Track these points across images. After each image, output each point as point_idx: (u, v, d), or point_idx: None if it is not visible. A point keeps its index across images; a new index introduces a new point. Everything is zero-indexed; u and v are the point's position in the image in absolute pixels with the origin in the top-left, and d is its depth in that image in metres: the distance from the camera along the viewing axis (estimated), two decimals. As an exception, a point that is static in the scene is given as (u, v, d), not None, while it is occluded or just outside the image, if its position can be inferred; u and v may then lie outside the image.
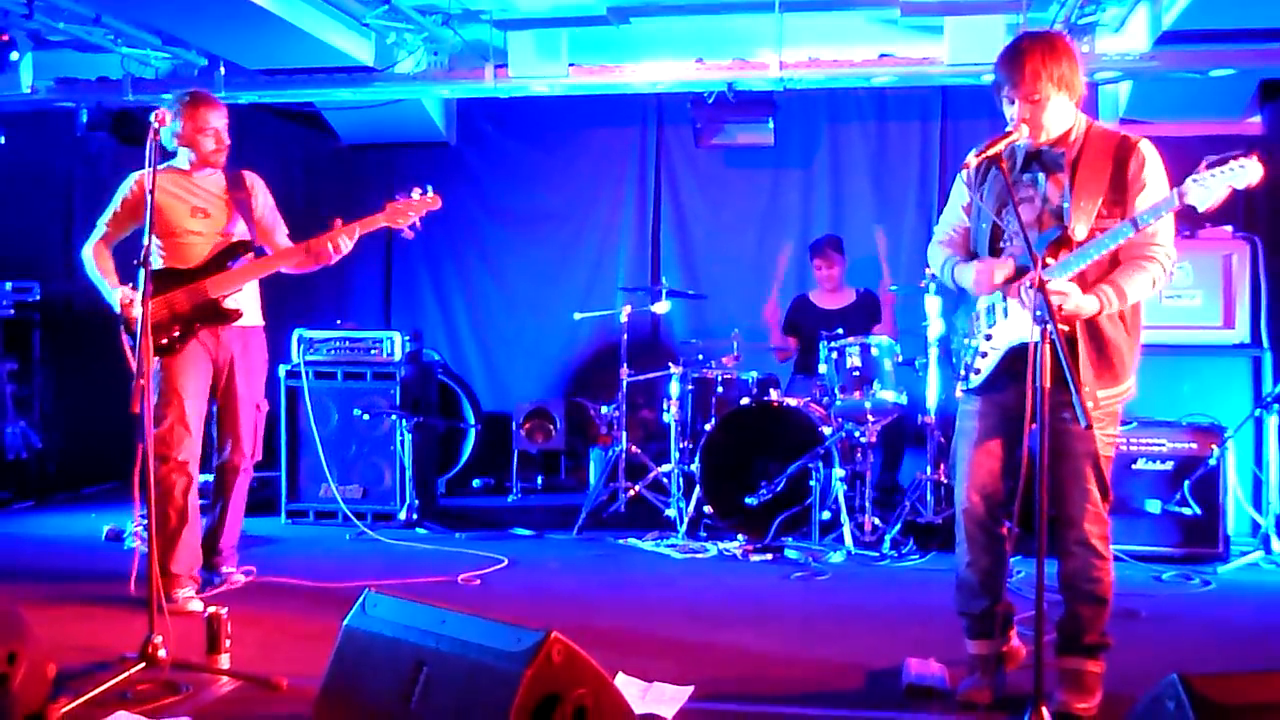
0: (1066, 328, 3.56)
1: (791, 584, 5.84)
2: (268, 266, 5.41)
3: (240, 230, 5.44)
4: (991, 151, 3.58)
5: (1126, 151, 3.72)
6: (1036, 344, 3.38)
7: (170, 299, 5.22)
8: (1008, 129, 3.68)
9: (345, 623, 3.33)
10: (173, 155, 5.45)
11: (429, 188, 5.42)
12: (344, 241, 5.28)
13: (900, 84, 7.69)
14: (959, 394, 4.06)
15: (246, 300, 5.46)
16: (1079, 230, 3.63)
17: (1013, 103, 3.71)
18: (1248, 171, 3.33)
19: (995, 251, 3.91)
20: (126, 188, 5.43)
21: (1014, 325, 3.80)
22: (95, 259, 5.37)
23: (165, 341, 5.20)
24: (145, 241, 4.30)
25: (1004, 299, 3.86)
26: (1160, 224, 3.65)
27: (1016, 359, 3.74)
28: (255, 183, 5.59)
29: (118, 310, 5.20)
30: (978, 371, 3.94)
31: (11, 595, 4.84)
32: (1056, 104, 3.68)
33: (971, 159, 3.63)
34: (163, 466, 5.18)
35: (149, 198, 4.23)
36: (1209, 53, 6.84)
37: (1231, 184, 3.35)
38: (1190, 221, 6.59)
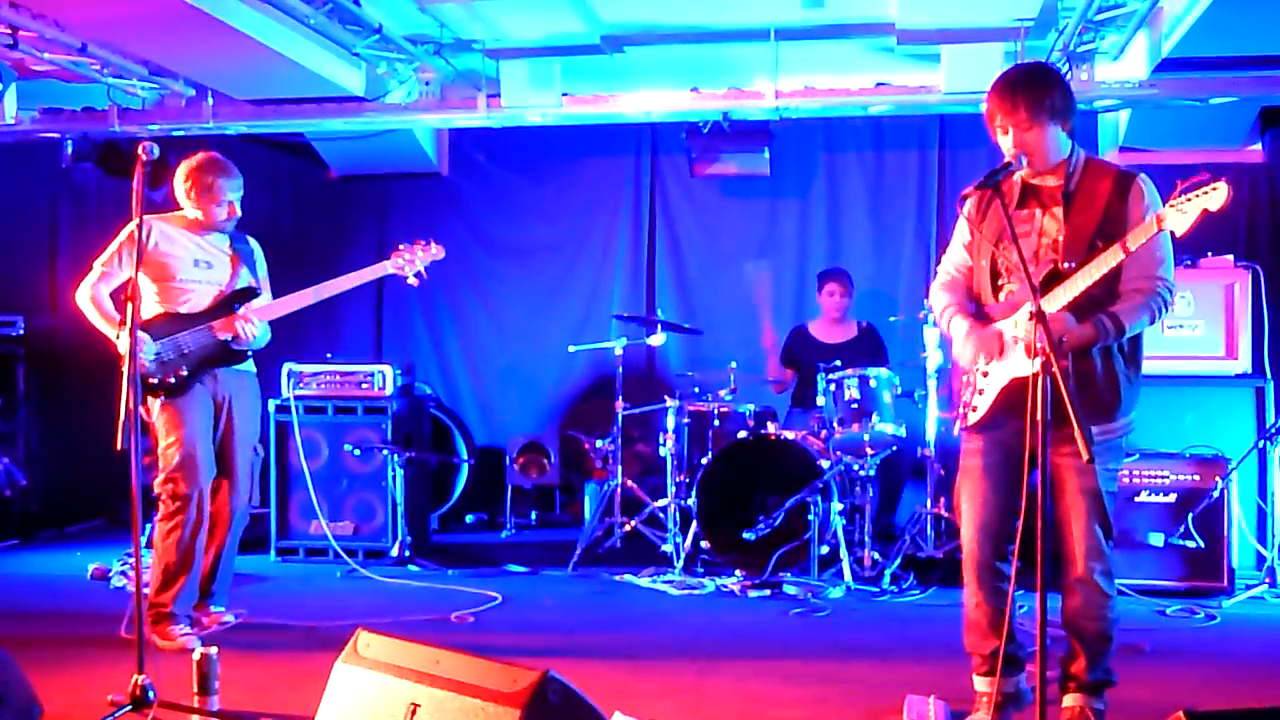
0: (1066, 360, 3.59)
1: (790, 620, 5.84)
2: (284, 307, 5.52)
3: (244, 280, 5.56)
4: (988, 184, 3.62)
5: (1124, 186, 3.76)
6: (1035, 378, 3.39)
7: (177, 341, 5.32)
8: (1005, 160, 3.72)
9: (337, 662, 3.33)
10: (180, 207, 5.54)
11: (432, 242, 5.67)
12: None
13: (897, 113, 7.74)
14: (956, 433, 4.09)
15: (249, 346, 5.54)
16: (1069, 264, 3.67)
17: (1006, 133, 3.75)
18: (1219, 194, 3.42)
19: (996, 290, 3.95)
20: (128, 231, 5.39)
21: (1011, 361, 3.83)
22: (94, 302, 5.33)
23: (173, 380, 5.29)
24: (133, 275, 4.34)
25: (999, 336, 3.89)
26: (1160, 255, 3.69)
27: (1014, 394, 3.76)
28: (257, 248, 5.73)
29: (124, 351, 5.21)
30: (975, 409, 3.96)
31: (-4, 636, 4.84)
32: (1050, 135, 3.73)
33: (969, 191, 3.67)
34: (174, 504, 5.27)
35: (139, 232, 4.28)
36: (1209, 80, 6.89)
37: (1205, 206, 3.41)
38: (1191, 250, 6.63)
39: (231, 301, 5.44)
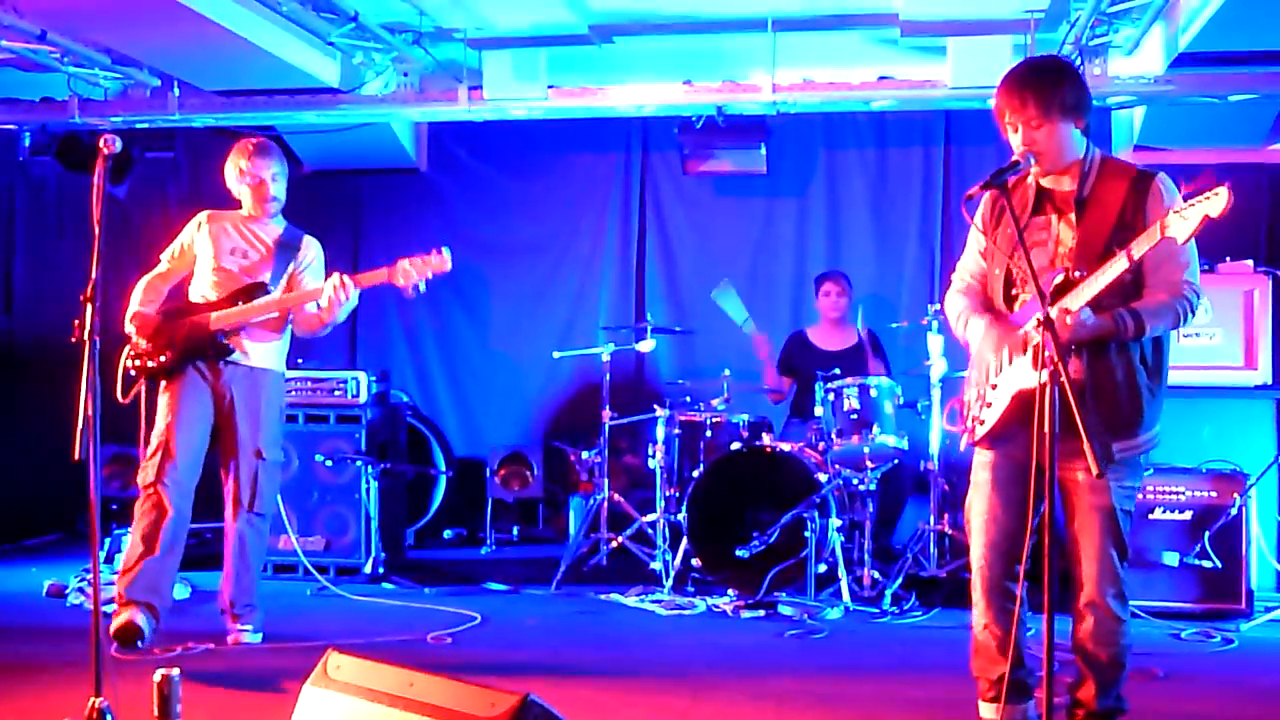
0: (1074, 372, 3.58)
1: (786, 643, 5.83)
2: (269, 308, 5.56)
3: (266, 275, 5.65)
4: (994, 183, 3.62)
5: (1142, 187, 3.76)
6: (1042, 389, 3.39)
7: (175, 325, 5.50)
8: (1014, 159, 3.73)
9: (306, 685, 3.31)
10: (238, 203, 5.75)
11: (445, 250, 5.54)
12: (344, 291, 5.43)
13: (901, 108, 7.76)
14: (964, 448, 4.09)
15: (260, 342, 5.60)
16: (1080, 273, 3.67)
17: (1016, 130, 3.76)
18: (1219, 200, 3.42)
19: (1010, 299, 3.95)
20: (190, 226, 5.73)
21: (1017, 373, 3.83)
22: (143, 287, 5.67)
23: (155, 364, 5.47)
24: (93, 274, 4.32)
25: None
26: (1185, 259, 3.71)
27: (1023, 406, 3.76)
28: (310, 248, 5.80)
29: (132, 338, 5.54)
30: (983, 422, 3.96)
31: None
32: (1062, 132, 3.73)
33: (974, 191, 3.67)
34: (141, 492, 5.42)
35: (96, 228, 4.25)
36: (1228, 76, 6.91)
37: (1206, 213, 3.42)
38: (1209, 255, 6.63)
39: (238, 297, 5.53)
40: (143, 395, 5.51)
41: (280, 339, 5.70)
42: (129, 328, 5.51)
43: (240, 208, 5.71)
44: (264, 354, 5.64)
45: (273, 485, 5.69)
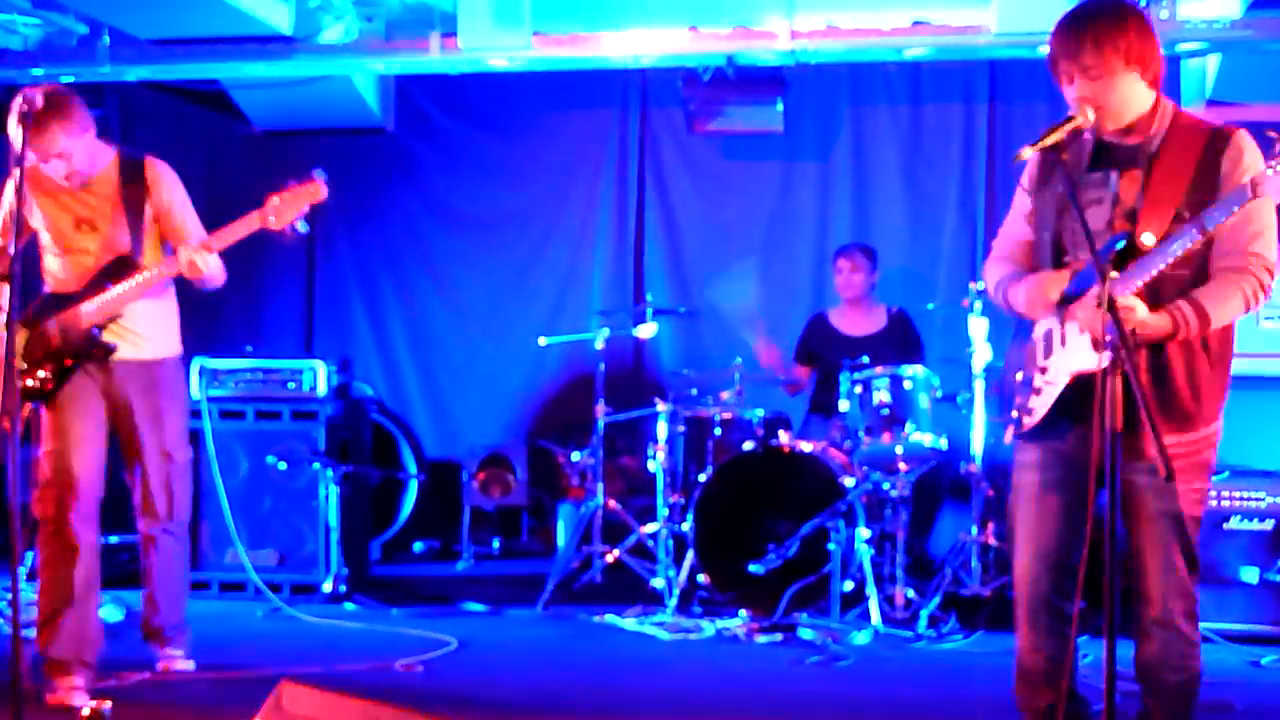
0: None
1: (806, 671, 5.84)
2: (145, 285, 5.27)
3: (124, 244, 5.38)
4: (1049, 142, 3.59)
5: (1220, 145, 3.72)
6: (1103, 375, 3.37)
7: (45, 332, 5.21)
8: (1069, 114, 3.71)
9: (255, 721, 3.32)
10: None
11: (318, 173, 5.31)
12: (201, 260, 5.15)
13: (938, 57, 7.75)
14: (1008, 439, 4.07)
15: (149, 326, 5.37)
16: (1148, 237, 3.64)
17: (1072, 81, 3.74)
18: None
19: (1059, 266, 3.93)
20: (9, 193, 5.25)
21: (1073, 354, 3.81)
22: None
23: (34, 384, 5.19)
24: (11, 250, 4.31)
25: (1061, 323, 3.86)
26: (1257, 227, 3.67)
27: (1077, 396, 3.75)
28: (159, 176, 5.45)
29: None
30: (1030, 412, 3.94)
31: None
32: (1126, 83, 3.70)
33: (1026, 153, 3.65)
34: (41, 529, 5.23)
35: (15, 198, 4.23)
36: (1316, 19, 6.92)
37: None
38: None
39: (103, 280, 5.25)
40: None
41: (170, 314, 5.48)
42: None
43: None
44: (156, 340, 5.41)
45: (186, 487, 5.57)
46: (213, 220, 5.47)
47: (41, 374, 5.21)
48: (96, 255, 5.32)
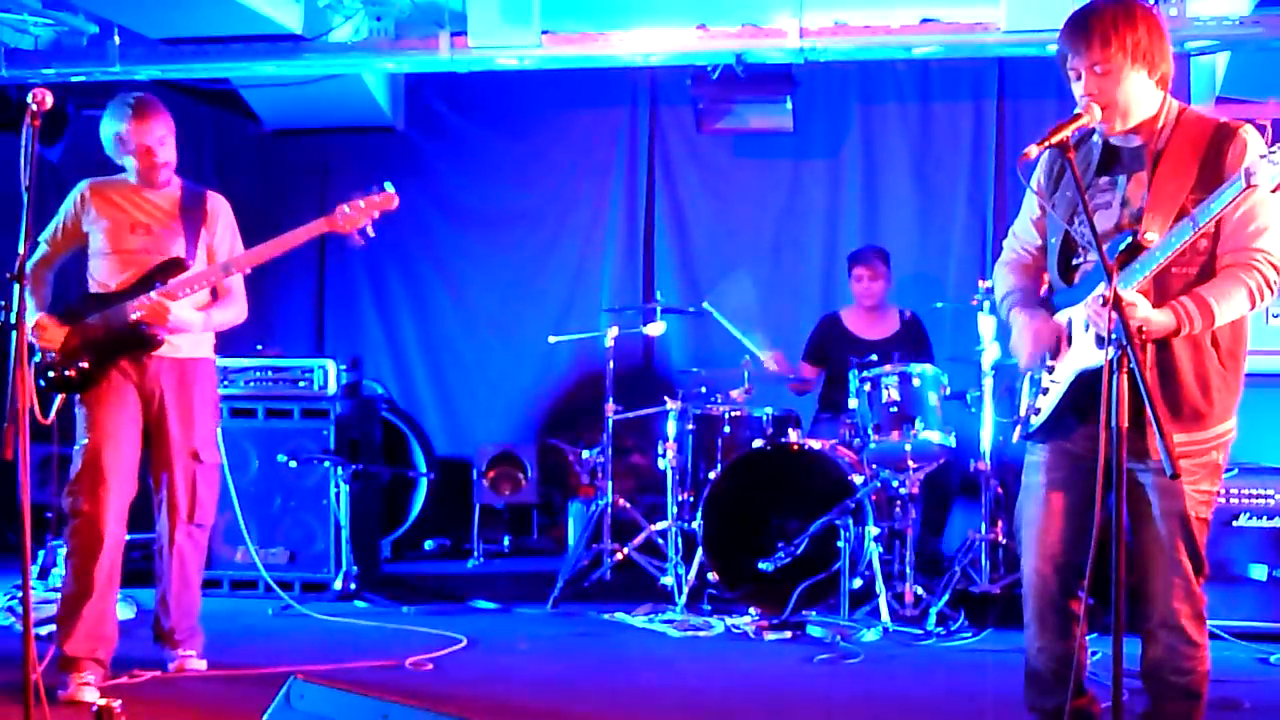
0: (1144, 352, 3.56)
1: (815, 668, 5.83)
2: (195, 281, 5.43)
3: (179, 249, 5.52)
4: (1055, 139, 3.59)
5: (1224, 140, 3.72)
6: (1107, 373, 3.37)
7: (86, 326, 5.33)
8: (1076, 111, 3.70)
9: (265, 717, 3.33)
10: (121, 168, 5.58)
11: (388, 185, 5.48)
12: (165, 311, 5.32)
13: (947, 55, 7.73)
14: (1016, 438, 4.08)
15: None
16: (1152, 234, 3.63)
17: (1079, 77, 3.73)
18: None
19: (1068, 269, 3.93)
20: (72, 200, 5.54)
21: (1078, 352, 3.81)
22: (33, 284, 5.43)
23: (73, 374, 5.29)
24: (20, 250, 4.32)
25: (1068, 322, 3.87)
26: (1262, 222, 3.66)
27: (1082, 394, 3.75)
28: (219, 211, 5.68)
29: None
30: (1037, 411, 3.95)
31: None
32: (1133, 81, 3.70)
33: (1033, 151, 3.64)
34: (71, 521, 5.27)
35: (25, 196, 4.24)
36: (1326, 16, 6.90)
37: None
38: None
39: (153, 278, 5.38)
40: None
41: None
42: (31, 337, 5.29)
43: (123, 172, 5.58)
44: (195, 340, 5.55)
45: (212, 491, 5.62)
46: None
47: (82, 365, 5.31)
48: (147, 257, 5.45)
